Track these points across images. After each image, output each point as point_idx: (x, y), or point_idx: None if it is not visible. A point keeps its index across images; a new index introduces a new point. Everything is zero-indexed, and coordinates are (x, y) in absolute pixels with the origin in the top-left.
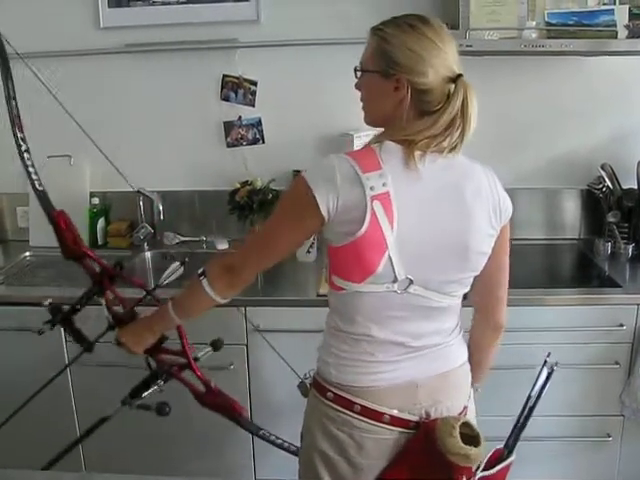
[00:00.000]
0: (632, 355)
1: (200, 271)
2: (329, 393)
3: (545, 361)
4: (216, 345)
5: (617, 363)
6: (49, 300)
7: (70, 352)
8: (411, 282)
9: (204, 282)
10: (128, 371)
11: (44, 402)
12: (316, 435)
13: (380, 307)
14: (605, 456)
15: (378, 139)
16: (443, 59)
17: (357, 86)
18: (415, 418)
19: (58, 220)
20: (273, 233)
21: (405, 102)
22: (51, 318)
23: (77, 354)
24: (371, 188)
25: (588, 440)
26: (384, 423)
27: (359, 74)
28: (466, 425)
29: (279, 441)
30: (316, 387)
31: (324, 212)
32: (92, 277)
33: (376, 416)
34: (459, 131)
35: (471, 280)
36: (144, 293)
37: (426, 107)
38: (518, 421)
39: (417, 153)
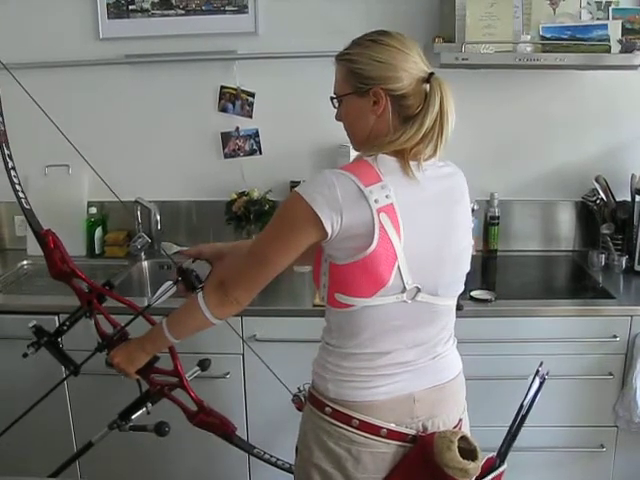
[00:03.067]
0: (626, 366)
1: (200, 286)
2: (327, 408)
3: (537, 370)
4: (204, 365)
5: (611, 374)
6: (33, 322)
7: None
8: (419, 290)
9: (199, 296)
10: (125, 380)
11: (41, 411)
12: (313, 450)
13: (387, 319)
14: (599, 467)
15: (370, 152)
16: (412, 62)
17: (337, 117)
18: (412, 432)
19: (47, 239)
20: (267, 252)
21: (387, 112)
22: (36, 340)
23: (63, 377)
24: (375, 201)
25: (582, 451)
26: (381, 437)
27: (337, 103)
28: (463, 439)
29: (273, 459)
30: (313, 401)
31: (328, 229)
32: (80, 297)
33: (374, 430)
34: (438, 130)
35: (464, 277)
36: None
37: (407, 112)
38: (510, 430)
39: (412, 163)
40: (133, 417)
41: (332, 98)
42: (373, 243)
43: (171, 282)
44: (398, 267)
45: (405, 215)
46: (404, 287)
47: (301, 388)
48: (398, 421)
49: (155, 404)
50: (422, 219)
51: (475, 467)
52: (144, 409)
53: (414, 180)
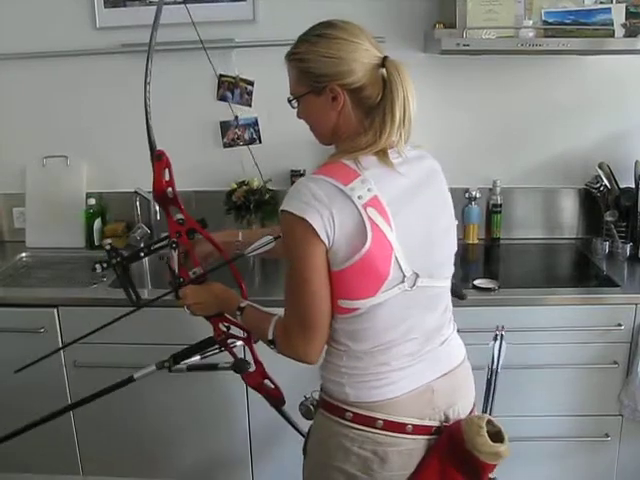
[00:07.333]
0: (630, 355)
1: (270, 338)
2: (348, 413)
3: (495, 335)
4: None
5: (615, 363)
6: (109, 241)
7: (66, 354)
8: (417, 276)
9: (271, 328)
10: (126, 372)
11: (41, 404)
12: (336, 456)
13: (395, 311)
14: (604, 456)
15: (346, 155)
16: (363, 50)
17: (299, 115)
18: (435, 423)
19: (162, 157)
20: (299, 282)
21: (347, 107)
22: (107, 259)
23: (127, 313)
24: (359, 197)
25: (586, 440)
26: (407, 433)
27: (295, 103)
28: (488, 422)
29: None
30: (328, 409)
31: (324, 238)
32: (170, 226)
33: (399, 428)
34: (405, 115)
35: (453, 257)
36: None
37: (368, 102)
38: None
39: (390, 151)
40: (186, 361)
41: (289, 100)
42: (367, 241)
43: (272, 237)
44: (395, 258)
45: (392, 204)
46: (404, 276)
47: (307, 396)
48: (420, 414)
49: (210, 354)
50: (408, 205)
51: (506, 449)
52: (198, 356)
53: (392, 169)
